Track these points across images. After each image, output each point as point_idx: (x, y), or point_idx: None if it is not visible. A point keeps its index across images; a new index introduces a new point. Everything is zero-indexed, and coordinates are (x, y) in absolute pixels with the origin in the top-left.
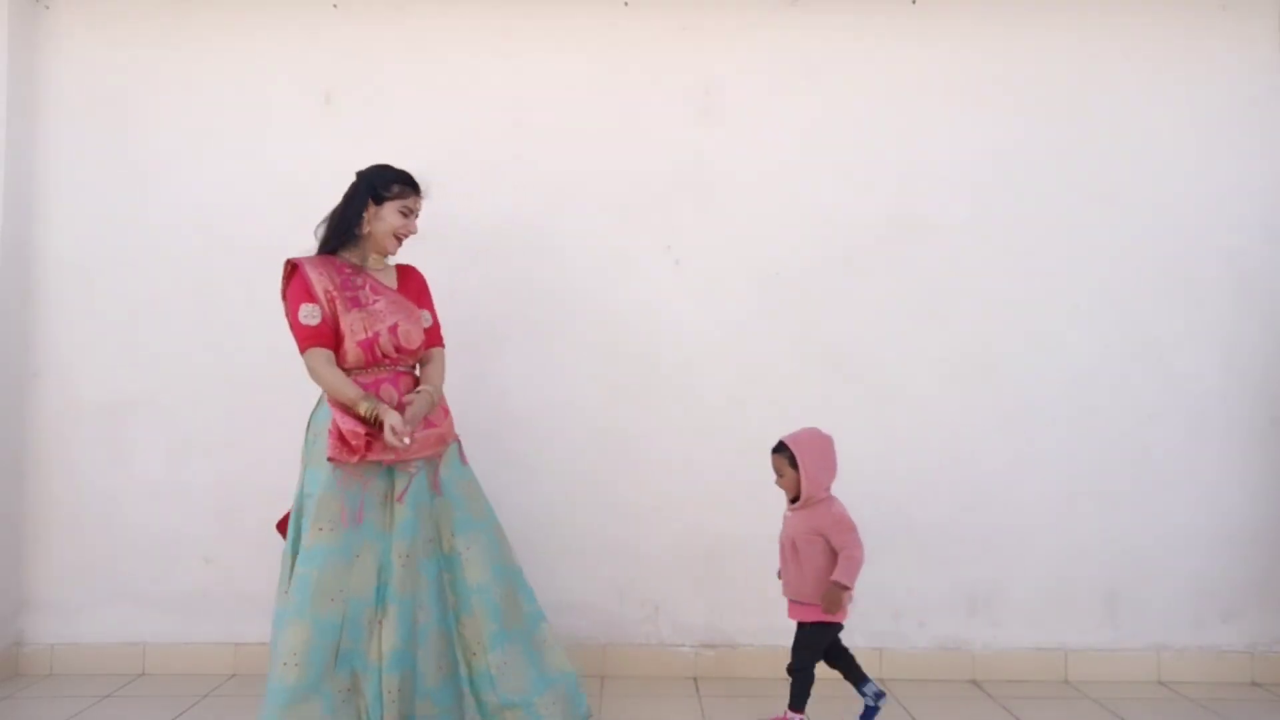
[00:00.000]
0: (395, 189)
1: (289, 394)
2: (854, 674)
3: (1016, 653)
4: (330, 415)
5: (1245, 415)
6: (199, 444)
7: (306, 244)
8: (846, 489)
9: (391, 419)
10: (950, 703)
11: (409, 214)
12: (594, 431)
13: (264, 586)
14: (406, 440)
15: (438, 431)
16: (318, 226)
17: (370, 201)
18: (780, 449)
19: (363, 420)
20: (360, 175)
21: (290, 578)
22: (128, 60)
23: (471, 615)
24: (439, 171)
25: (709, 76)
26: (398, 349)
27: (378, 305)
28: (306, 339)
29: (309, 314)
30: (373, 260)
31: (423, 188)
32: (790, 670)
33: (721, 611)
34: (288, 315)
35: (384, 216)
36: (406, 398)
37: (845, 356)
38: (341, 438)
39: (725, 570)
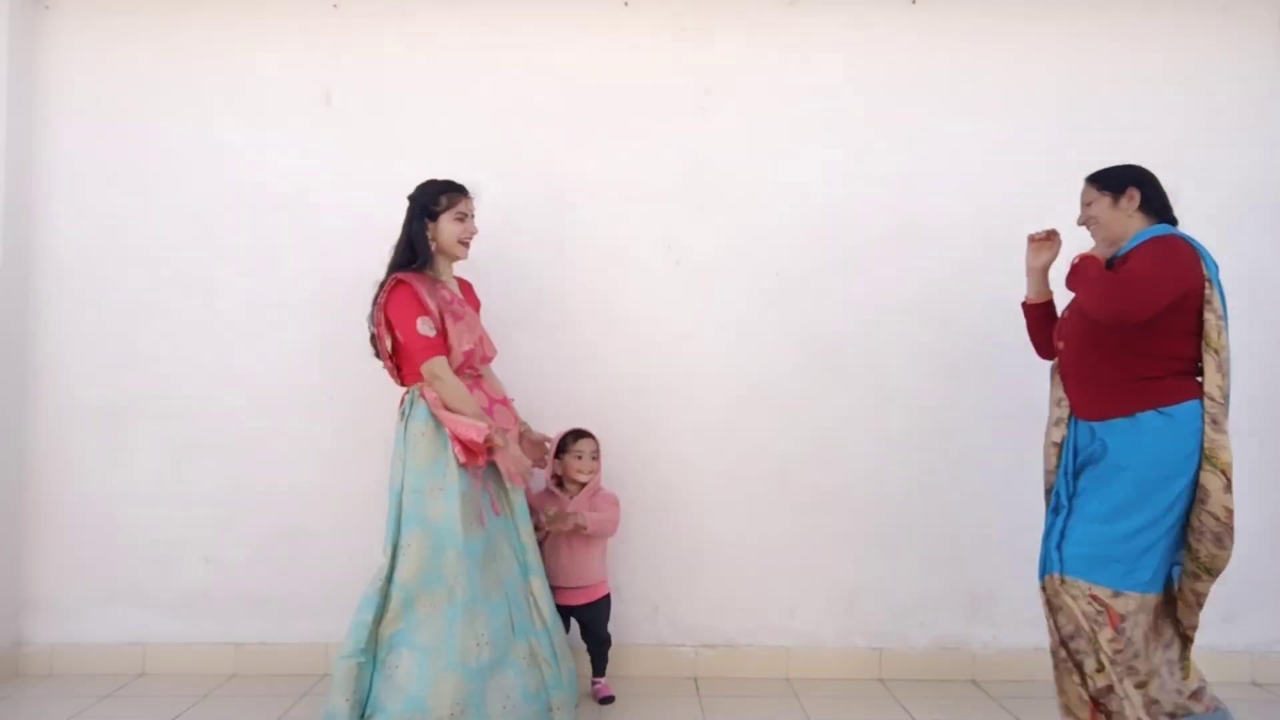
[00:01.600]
0: (444, 201)
1: (289, 394)
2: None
3: (1016, 653)
4: (428, 416)
5: (1245, 415)
6: (199, 444)
7: (306, 244)
8: (847, 489)
9: (510, 460)
10: (950, 703)
11: (464, 218)
12: (594, 430)
13: (264, 586)
14: (519, 484)
15: (516, 430)
16: (387, 255)
17: (428, 221)
18: (589, 435)
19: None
20: (412, 199)
21: (387, 569)
22: (128, 60)
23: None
24: (438, 171)
25: (709, 76)
26: (484, 358)
27: (468, 316)
28: (429, 348)
29: (426, 325)
30: (446, 271)
31: (471, 189)
32: (604, 644)
33: (721, 611)
34: (398, 328)
35: (444, 229)
36: (514, 431)
37: (845, 356)
38: (465, 446)
39: (725, 570)
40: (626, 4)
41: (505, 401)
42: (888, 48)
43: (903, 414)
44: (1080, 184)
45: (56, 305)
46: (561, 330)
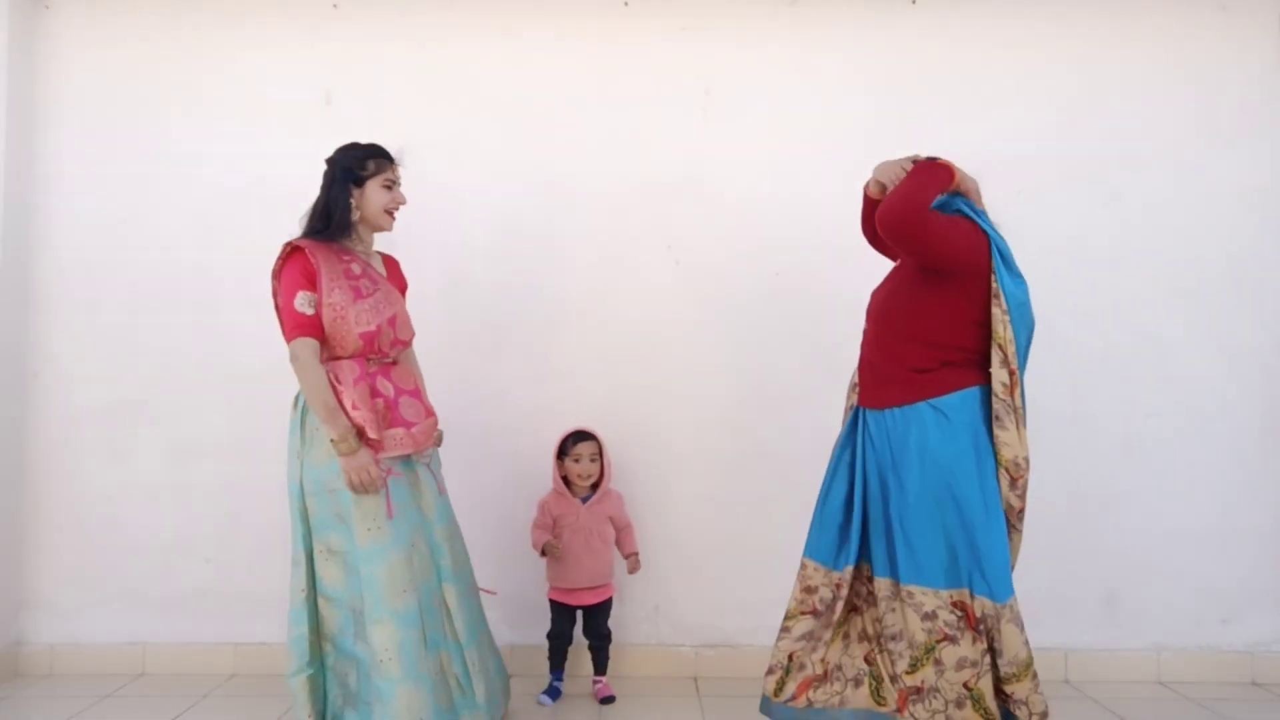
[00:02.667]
0: (371, 166)
1: (289, 393)
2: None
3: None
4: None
5: (1245, 415)
6: (199, 444)
7: None
8: None
9: (353, 467)
10: None
11: (391, 186)
12: (596, 430)
13: (264, 586)
14: (372, 490)
15: (434, 420)
16: (301, 220)
17: (352, 187)
18: (589, 437)
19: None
20: (332, 162)
21: (305, 578)
22: (128, 60)
23: (454, 583)
24: (439, 171)
25: (709, 76)
26: (394, 341)
27: (377, 295)
28: (299, 327)
29: (306, 302)
30: (364, 245)
31: (396, 155)
32: (604, 639)
33: (721, 611)
34: (278, 296)
35: (370, 196)
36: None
37: (845, 356)
38: (361, 435)
39: (725, 570)
40: (626, 4)
41: (416, 393)
42: (888, 47)
43: None
44: (1080, 183)
45: (56, 305)
46: (561, 330)
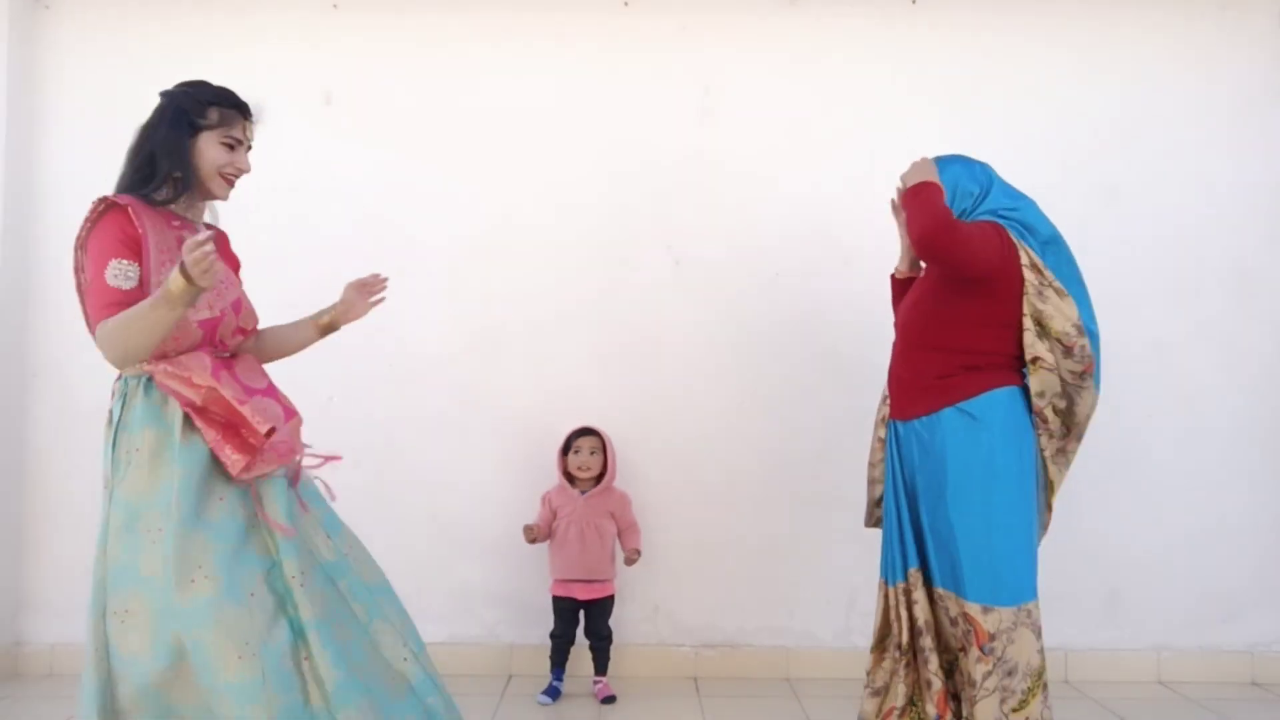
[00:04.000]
0: (214, 115)
1: (288, 394)
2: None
3: None
4: (159, 417)
5: (1245, 415)
6: None
7: (306, 243)
8: (847, 489)
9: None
10: None
11: (235, 146)
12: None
13: None
14: (208, 250)
15: (298, 420)
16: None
17: (186, 133)
18: (592, 433)
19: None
20: (167, 98)
21: (99, 642)
22: (128, 60)
23: (385, 618)
24: (439, 171)
25: (709, 76)
26: (235, 330)
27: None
28: (111, 306)
29: (121, 275)
30: (195, 212)
31: (255, 112)
32: (605, 639)
33: (721, 611)
34: (84, 268)
35: (204, 151)
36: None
37: (845, 356)
38: (245, 445)
39: (725, 570)
40: (626, 4)
41: (271, 391)
42: (888, 47)
43: None
44: (1080, 183)
45: (56, 305)
46: (561, 330)
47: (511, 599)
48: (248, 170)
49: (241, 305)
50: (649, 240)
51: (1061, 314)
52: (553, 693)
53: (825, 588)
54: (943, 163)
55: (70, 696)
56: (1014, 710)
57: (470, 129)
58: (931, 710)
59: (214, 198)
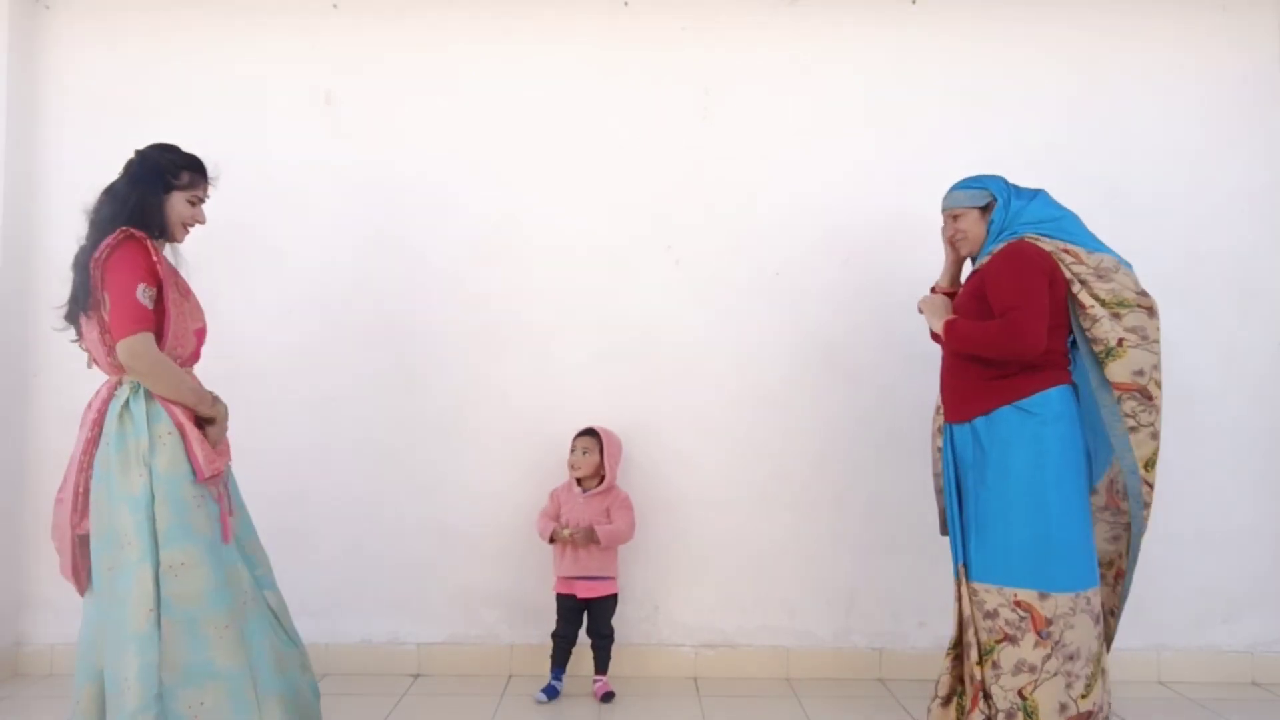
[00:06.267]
0: (185, 178)
1: (288, 394)
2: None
3: None
4: (165, 415)
5: (1245, 415)
6: None
7: (306, 243)
8: (847, 489)
9: (223, 421)
10: None
11: (197, 203)
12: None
13: None
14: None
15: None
16: (90, 210)
17: (161, 190)
18: (589, 434)
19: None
20: (145, 156)
21: (152, 598)
22: (128, 60)
23: (273, 589)
24: (439, 171)
25: (709, 76)
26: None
27: (192, 297)
28: (142, 320)
29: (148, 296)
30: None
31: (212, 174)
32: (606, 638)
33: (721, 611)
34: (113, 287)
35: (174, 206)
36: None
37: (845, 356)
38: (215, 450)
39: (725, 570)
40: (626, 4)
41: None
42: (888, 47)
43: (902, 414)
44: (1080, 184)
45: (56, 305)
46: (562, 330)
47: (511, 599)
48: (203, 223)
49: (204, 329)
50: (649, 240)
51: (1125, 285)
52: (550, 692)
53: (825, 588)
54: (981, 182)
55: (70, 696)
56: (1081, 696)
57: (470, 129)
58: (967, 704)
59: (174, 241)
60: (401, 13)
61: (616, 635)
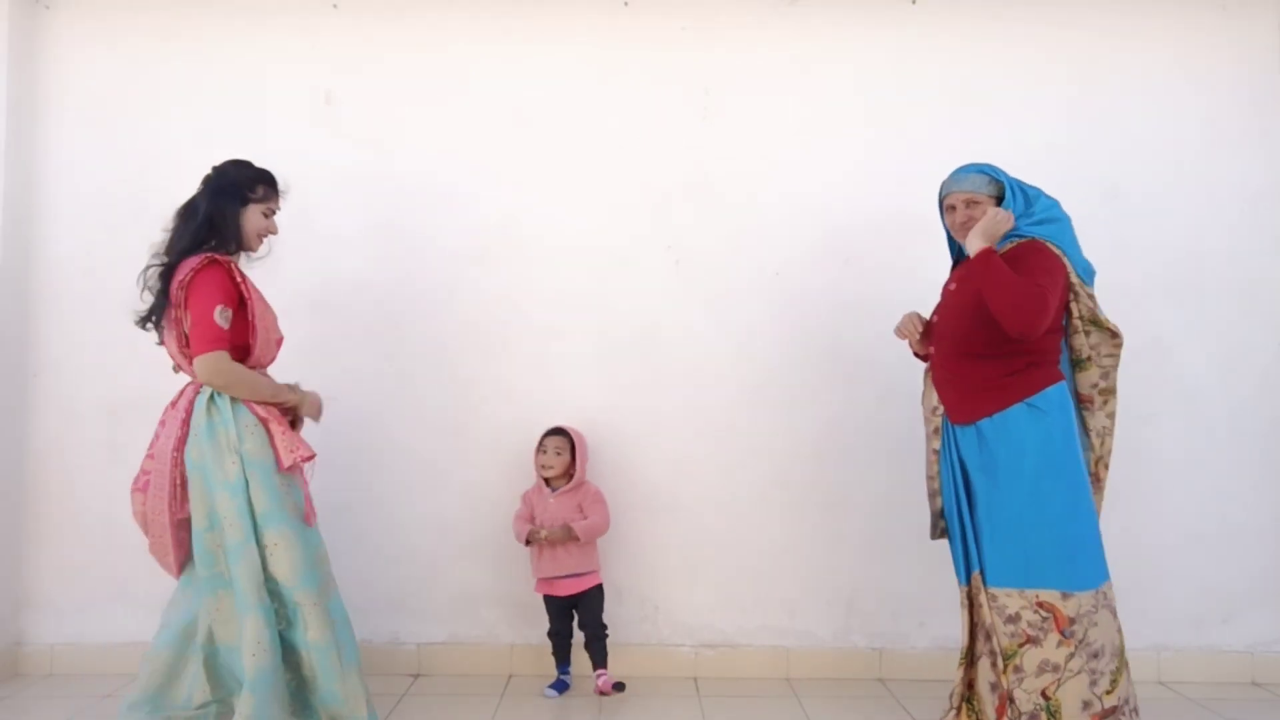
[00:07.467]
0: (260, 191)
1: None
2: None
3: None
4: (246, 409)
5: (1245, 415)
6: None
7: (306, 244)
8: (847, 489)
9: (315, 406)
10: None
11: (270, 214)
12: (594, 431)
13: None
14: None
15: None
16: (169, 226)
17: (238, 205)
18: (558, 433)
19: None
20: (222, 173)
21: (261, 573)
22: (128, 60)
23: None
24: (439, 171)
25: (709, 76)
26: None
27: (267, 305)
28: (218, 340)
29: (225, 316)
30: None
31: (283, 188)
32: (600, 631)
33: (721, 611)
34: (195, 307)
35: (250, 219)
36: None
37: (845, 356)
38: (300, 440)
39: (725, 570)
40: (626, 4)
41: None
42: (888, 47)
43: (902, 414)
44: (1080, 184)
45: (56, 305)
46: (561, 331)
47: (511, 599)
48: (276, 233)
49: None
50: (649, 240)
51: (1094, 305)
52: (560, 686)
53: (825, 588)
54: (990, 170)
55: (70, 696)
56: (1106, 693)
57: (470, 129)
58: (991, 714)
59: (249, 251)
60: (401, 13)
61: (616, 635)
